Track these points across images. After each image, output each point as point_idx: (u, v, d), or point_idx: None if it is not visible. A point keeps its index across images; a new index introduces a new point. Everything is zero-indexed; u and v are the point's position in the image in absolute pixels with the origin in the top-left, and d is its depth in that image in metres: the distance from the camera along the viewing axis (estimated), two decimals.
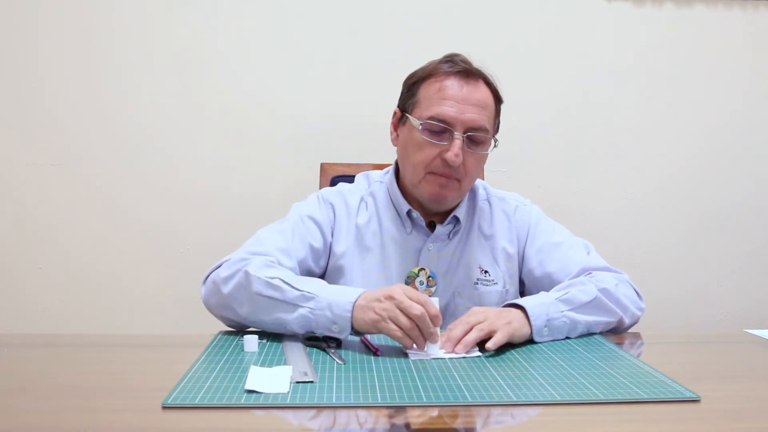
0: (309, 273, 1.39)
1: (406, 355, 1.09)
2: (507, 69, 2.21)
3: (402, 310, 1.09)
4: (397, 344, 1.15)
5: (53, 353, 1.17)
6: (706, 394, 0.91)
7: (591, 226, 2.22)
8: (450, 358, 1.08)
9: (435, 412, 0.87)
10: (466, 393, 0.91)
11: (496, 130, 1.43)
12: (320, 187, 1.77)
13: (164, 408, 0.86)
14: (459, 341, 1.11)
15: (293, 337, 1.18)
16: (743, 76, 2.24)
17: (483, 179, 1.78)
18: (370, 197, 1.47)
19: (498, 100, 1.42)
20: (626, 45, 2.21)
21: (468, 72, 1.38)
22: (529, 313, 1.18)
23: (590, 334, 1.26)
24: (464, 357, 1.09)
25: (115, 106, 2.12)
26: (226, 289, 1.23)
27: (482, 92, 1.38)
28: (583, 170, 2.23)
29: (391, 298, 1.11)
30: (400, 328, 1.09)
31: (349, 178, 1.59)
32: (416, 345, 1.09)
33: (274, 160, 2.14)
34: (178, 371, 0.99)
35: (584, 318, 1.24)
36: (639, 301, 1.34)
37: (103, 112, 2.12)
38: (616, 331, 1.30)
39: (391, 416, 0.85)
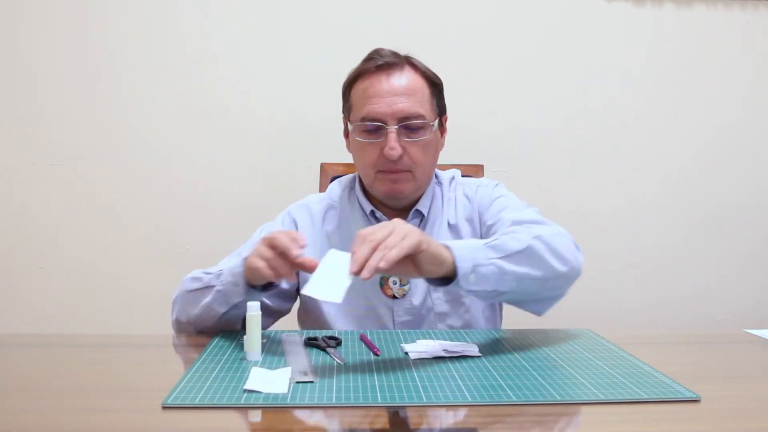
0: (276, 291, 1.33)
1: (406, 355, 1.09)
2: (507, 69, 2.23)
3: (268, 243, 1.11)
4: (397, 344, 1.15)
5: (53, 353, 1.17)
6: (706, 394, 0.91)
7: (591, 226, 2.22)
8: (449, 358, 1.08)
9: (435, 412, 0.87)
10: (466, 393, 0.91)
11: (441, 111, 1.42)
12: (320, 188, 1.78)
13: (164, 408, 0.86)
14: (364, 262, 0.99)
15: (293, 336, 1.19)
16: (743, 76, 2.24)
17: (483, 176, 1.78)
18: (340, 202, 1.46)
19: (431, 82, 1.40)
20: (626, 45, 2.21)
21: (390, 64, 1.37)
22: (455, 255, 1.08)
23: (517, 295, 1.19)
24: (464, 357, 1.08)
25: (115, 107, 2.12)
26: (176, 305, 1.31)
27: (408, 78, 1.36)
28: (582, 170, 2.23)
29: (265, 237, 1.14)
30: (264, 260, 1.11)
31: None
32: (280, 273, 1.10)
33: (274, 160, 2.14)
34: (178, 371, 0.99)
35: (514, 268, 1.13)
36: (576, 252, 1.24)
37: (103, 112, 2.12)
38: (554, 291, 1.22)
39: (391, 416, 0.85)
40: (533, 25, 2.18)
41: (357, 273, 0.99)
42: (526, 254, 1.15)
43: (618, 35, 2.20)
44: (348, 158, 1.95)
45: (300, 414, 0.86)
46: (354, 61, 2.12)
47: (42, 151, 2.12)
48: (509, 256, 1.13)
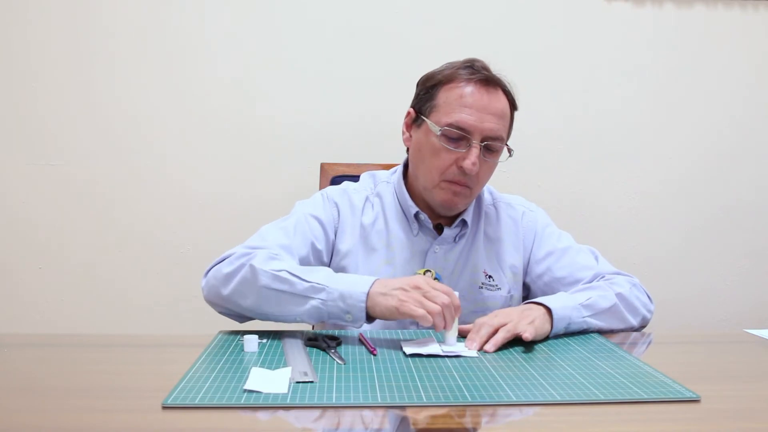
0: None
1: (406, 355, 1.09)
2: (507, 69, 2.21)
3: (429, 299, 1.12)
4: (396, 344, 1.15)
5: (53, 353, 1.17)
6: (706, 394, 0.91)
7: (591, 226, 2.22)
8: (449, 358, 1.08)
9: (435, 412, 0.87)
10: (466, 393, 0.91)
11: (508, 137, 1.44)
12: (320, 188, 1.77)
13: (164, 408, 0.86)
14: (485, 342, 1.13)
15: (293, 336, 1.19)
16: (744, 76, 2.24)
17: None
18: (376, 197, 1.46)
19: (514, 108, 1.43)
20: (626, 45, 2.21)
21: (488, 80, 1.37)
22: (554, 316, 1.20)
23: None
24: (464, 357, 1.08)
25: (116, 107, 2.12)
26: (231, 283, 1.22)
27: (501, 101, 1.38)
28: (582, 171, 2.23)
29: (417, 287, 1.14)
30: (426, 309, 1.11)
31: (350, 178, 1.59)
32: (438, 326, 1.11)
33: (274, 160, 2.14)
34: (178, 371, 0.99)
35: (598, 324, 1.27)
36: (649, 304, 1.38)
37: (103, 112, 2.12)
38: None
39: (391, 416, 0.85)
40: (534, 25, 2.18)
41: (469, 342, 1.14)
42: (610, 312, 1.29)
43: (618, 35, 2.20)
44: (348, 158, 1.95)
45: (300, 414, 0.86)
46: (355, 61, 2.14)
47: (41, 151, 2.12)
48: (596, 314, 1.27)
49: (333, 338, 1.16)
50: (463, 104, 1.34)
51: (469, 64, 1.39)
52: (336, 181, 1.75)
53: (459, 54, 2.27)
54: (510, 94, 1.41)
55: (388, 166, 1.57)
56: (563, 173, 2.22)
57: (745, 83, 2.24)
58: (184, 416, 0.85)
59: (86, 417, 0.85)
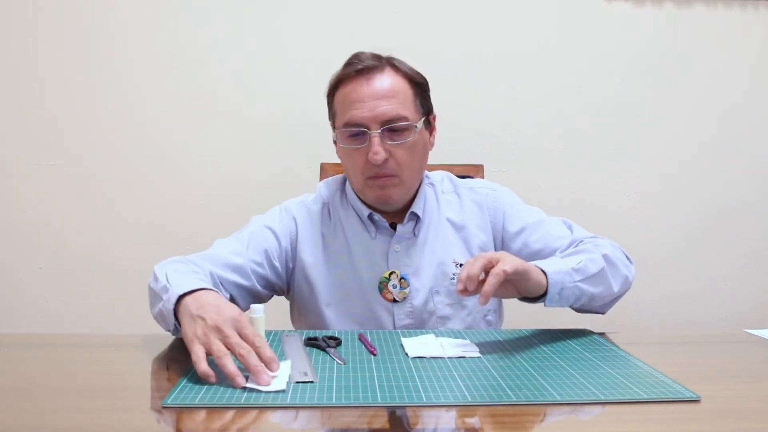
0: (267, 282, 1.38)
1: (406, 355, 1.09)
2: (507, 69, 2.23)
3: (227, 346, 0.95)
4: (396, 344, 1.15)
5: (53, 353, 1.17)
6: (706, 394, 0.91)
7: (591, 226, 2.19)
8: (449, 358, 1.08)
9: (435, 412, 0.87)
10: (466, 393, 0.91)
11: (427, 111, 1.41)
12: None
13: (164, 408, 0.86)
14: (467, 278, 1.07)
15: (293, 336, 1.19)
16: (743, 76, 2.25)
17: (483, 177, 1.78)
18: (332, 205, 1.46)
19: (414, 82, 1.38)
20: (626, 45, 2.21)
21: (370, 67, 1.35)
22: (549, 280, 1.16)
23: (581, 306, 1.27)
24: (464, 357, 1.08)
25: (116, 107, 2.13)
26: (149, 290, 1.20)
27: (389, 81, 1.35)
28: (582, 170, 2.23)
29: (218, 330, 0.96)
30: (213, 350, 0.95)
31: None
32: (224, 367, 0.92)
33: (274, 159, 2.14)
34: (178, 371, 0.99)
35: (589, 289, 1.24)
36: (630, 265, 1.36)
37: (103, 112, 2.13)
38: (611, 301, 1.33)
39: (391, 416, 0.85)
40: (533, 25, 2.18)
41: (462, 292, 1.08)
42: (600, 275, 1.25)
43: (618, 35, 2.20)
44: None
45: (300, 414, 0.86)
46: None
47: (42, 151, 2.12)
48: (587, 279, 1.23)
49: (333, 338, 1.16)
50: (349, 101, 1.34)
51: (350, 61, 1.38)
52: None
53: (459, 54, 2.28)
54: (402, 69, 1.37)
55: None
56: (563, 173, 2.22)
57: (745, 83, 2.25)
58: (184, 416, 0.85)
59: (86, 417, 0.85)
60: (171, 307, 1.06)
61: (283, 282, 1.42)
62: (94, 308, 2.15)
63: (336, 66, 2.14)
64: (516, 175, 2.18)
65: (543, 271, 1.17)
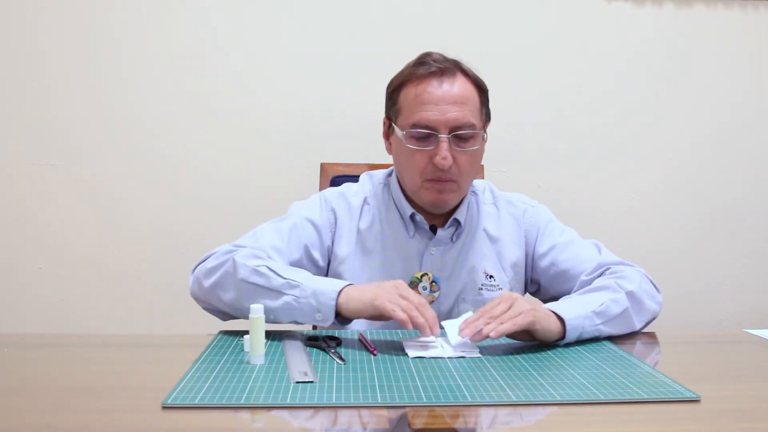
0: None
1: (406, 355, 1.09)
2: (507, 69, 2.23)
3: (403, 297, 1.13)
4: (397, 344, 1.15)
5: (53, 353, 1.17)
6: (706, 394, 0.91)
7: (591, 226, 2.21)
8: (449, 358, 1.08)
9: (435, 412, 0.87)
10: (466, 393, 0.91)
11: (486, 119, 1.42)
12: (320, 187, 1.77)
13: (164, 408, 0.86)
14: (476, 329, 1.11)
15: (293, 336, 1.19)
16: (743, 76, 2.24)
17: (483, 177, 1.78)
18: (374, 199, 1.46)
19: (480, 89, 1.39)
20: (626, 45, 2.21)
21: (442, 70, 1.35)
22: (567, 326, 1.16)
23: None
24: (464, 357, 1.08)
25: (116, 106, 2.12)
26: (213, 276, 1.24)
27: (461, 86, 1.35)
28: (583, 171, 2.23)
29: (394, 287, 1.16)
30: (400, 306, 1.11)
31: (349, 178, 1.59)
32: (415, 325, 1.10)
33: (274, 159, 2.14)
34: (178, 371, 0.99)
35: (609, 330, 1.23)
36: (657, 295, 1.35)
37: (103, 112, 2.12)
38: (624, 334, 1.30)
39: (391, 416, 0.85)
40: (533, 25, 2.18)
41: (469, 336, 1.11)
42: (622, 317, 1.25)
43: (618, 35, 2.20)
44: (348, 158, 1.95)
45: (300, 414, 0.86)
46: (355, 60, 2.14)
47: (42, 151, 2.12)
48: (608, 321, 1.23)
49: (333, 338, 1.16)
50: (420, 102, 1.33)
51: (421, 60, 1.38)
52: (336, 181, 1.74)
53: (459, 54, 2.27)
54: (471, 75, 1.38)
55: (388, 166, 1.56)
56: (563, 173, 2.22)
57: (745, 83, 2.24)
58: (184, 416, 0.85)
59: (86, 417, 0.85)
60: (332, 303, 1.16)
61: (323, 273, 1.42)
62: (94, 308, 2.15)
63: (336, 66, 2.16)
64: (516, 175, 2.17)
65: (560, 317, 1.16)
